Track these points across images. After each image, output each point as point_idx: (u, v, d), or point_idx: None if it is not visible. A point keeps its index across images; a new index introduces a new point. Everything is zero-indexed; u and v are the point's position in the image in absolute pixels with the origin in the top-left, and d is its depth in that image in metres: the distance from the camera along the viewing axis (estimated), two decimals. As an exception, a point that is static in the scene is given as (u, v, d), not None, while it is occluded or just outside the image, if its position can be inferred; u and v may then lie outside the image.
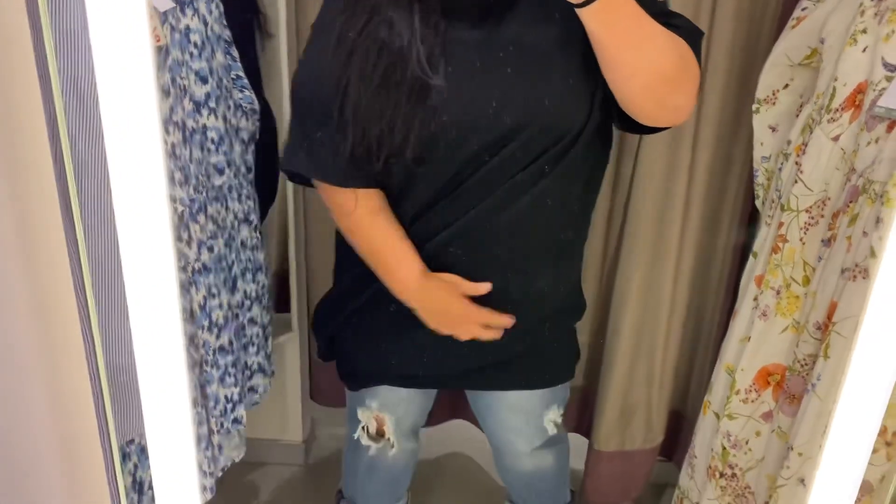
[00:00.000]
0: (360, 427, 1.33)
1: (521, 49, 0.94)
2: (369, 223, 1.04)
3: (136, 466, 1.04)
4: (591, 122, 0.98)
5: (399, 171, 1.00)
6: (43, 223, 0.67)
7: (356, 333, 1.21)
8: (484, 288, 1.05)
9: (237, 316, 1.28)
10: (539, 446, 1.31)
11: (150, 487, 1.07)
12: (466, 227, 1.02)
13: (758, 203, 1.32)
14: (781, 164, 1.20)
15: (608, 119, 1.02)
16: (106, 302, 0.92)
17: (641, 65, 0.86)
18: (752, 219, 1.48)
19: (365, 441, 1.34)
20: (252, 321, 1.34)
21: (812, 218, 1.12)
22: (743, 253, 1.51)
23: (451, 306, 1.06)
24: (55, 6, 0.85)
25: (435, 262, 1.05)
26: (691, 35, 0.91)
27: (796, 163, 1.14)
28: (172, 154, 1.08)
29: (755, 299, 1.22)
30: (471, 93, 0.94)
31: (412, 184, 1.02)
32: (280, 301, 1.68)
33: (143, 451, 1.04)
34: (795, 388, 1.14)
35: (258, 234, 1.33)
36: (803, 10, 1.15)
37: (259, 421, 1.77)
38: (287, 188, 1.55)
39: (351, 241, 1.09)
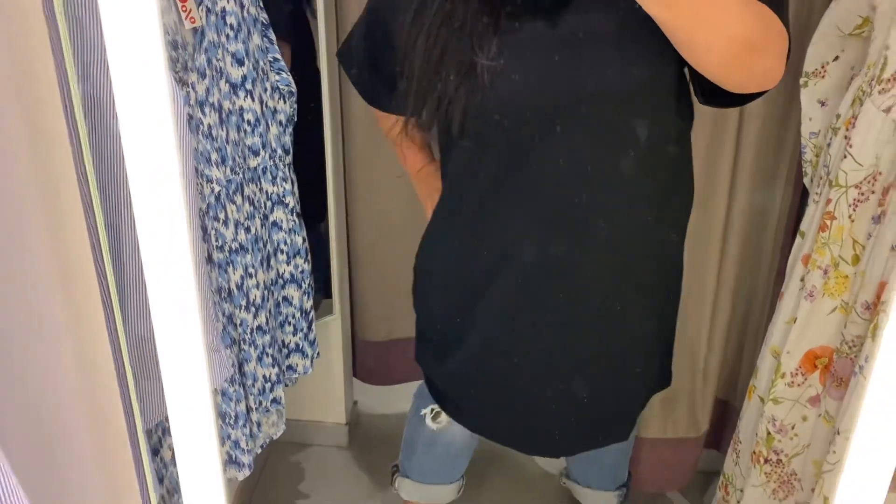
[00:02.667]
0: (428, 408, 1.34)
1: (575, 36, 0.93)
2: (404, 144, 1.20)
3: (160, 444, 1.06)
4: (657, 99, 0.97)
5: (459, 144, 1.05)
6: (71, 225, 0.68)
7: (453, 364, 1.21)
8: None
9: (272, 294, 1.30)
10: None
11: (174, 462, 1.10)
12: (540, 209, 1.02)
13: (806, 181, 1.27)
14: (830, 139, 1.16)
15: (681, 98, 0.99)
16: (130, 282, 0.93)
17: (717, 38, 0.81)
18: (802, 199, 1.43)
19: (429, 421, 1.34)
20: (287, 301, 1.35)
21: (862, 194, 1.07)
22: (793, 235, 1.46)
23: None
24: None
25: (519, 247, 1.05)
26: None
27: (846, 137, 1.09)
28: (209, 135, 1.09)
29: (802, 280, 1.18)
30: (520, 75, 0.94)
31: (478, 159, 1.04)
32: (324, 287, 1.69)
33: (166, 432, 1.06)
34: (843, 370, 1.10)
35: (296, 218, 1.34)
36: (853, -24, 1.10)
37: (303, 403, 1.79)
38: (327, 165, 1.56)
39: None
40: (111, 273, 0.70)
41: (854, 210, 1.08)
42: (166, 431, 1.07)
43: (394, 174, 1.44)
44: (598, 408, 1.17)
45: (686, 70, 0.97)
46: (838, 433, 1.08)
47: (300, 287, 1.38)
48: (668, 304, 1.17)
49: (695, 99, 1.02)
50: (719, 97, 0.93)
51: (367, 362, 1.89)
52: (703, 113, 1.34)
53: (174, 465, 1.08)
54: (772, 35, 0.84)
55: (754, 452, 1.28)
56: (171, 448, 1.08)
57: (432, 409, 1.34)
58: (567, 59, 0.93)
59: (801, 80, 1.21)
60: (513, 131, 0.97)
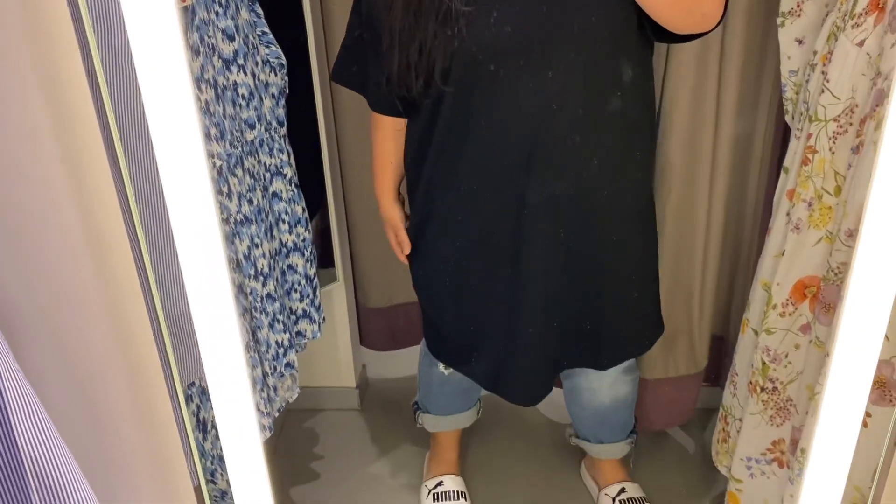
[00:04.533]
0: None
1: None
2: (382, 138, 1.30)
3: (198, 407, 1.11)
4: (621, 34, 1.09)
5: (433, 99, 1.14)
6: (101, 203, 0.71)
7: (445, 310, 1.35)
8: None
9: (278, 263, 1.34)
10: (616, 377, 1.41)
11: (213, 427, 1.15)
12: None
13: (787, 118, 1.31)
14: (808, 75, 1.19)
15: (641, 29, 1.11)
16: (160, 252, 0.97)
17: None
18: (784, 137, 1.47)
19: (441, 367, 1.43)
20: (291, 269, 1.39)
21: (840, 126, 1.12)
22: (777, 172, 1.50)
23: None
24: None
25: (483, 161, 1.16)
26: None
27: (822, 72, 1.13)
28: (206, 111, 1.12)
29: (788, 214, 1.22)
30: (492, 19, 1.05)
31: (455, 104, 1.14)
32: (325, 255, 1.73)
33: (203, 392, 1.10)
34: (830, 297, 1.15)
35: (294, 188, 1.38)
36: (823, -86, 1.13)
37: (314, 370, 1.84)
38: (322, 140, 1.59)
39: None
40: (144, 244, 0.74)
41: (834, 143, 1.13)
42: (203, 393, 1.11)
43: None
44: (582, 341, 1.30)
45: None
46: (828, 356, 1.13)
47: (303, 255, 1.42)
48: (643, 236, 1.29)
49: None
50: (667, 36, 1.11)
51: (371, 329, 1.93)
52: (686, 57, 1.38)
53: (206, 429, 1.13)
54: None
55: (751, 382, 1.34)
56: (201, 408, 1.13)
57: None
58: (536, 1, 1.04)
59: (778, 20, 1.24)
60: (489, 72, 1.08)
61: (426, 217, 1.27)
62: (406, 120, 1.24)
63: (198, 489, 0.85)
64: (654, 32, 1.10)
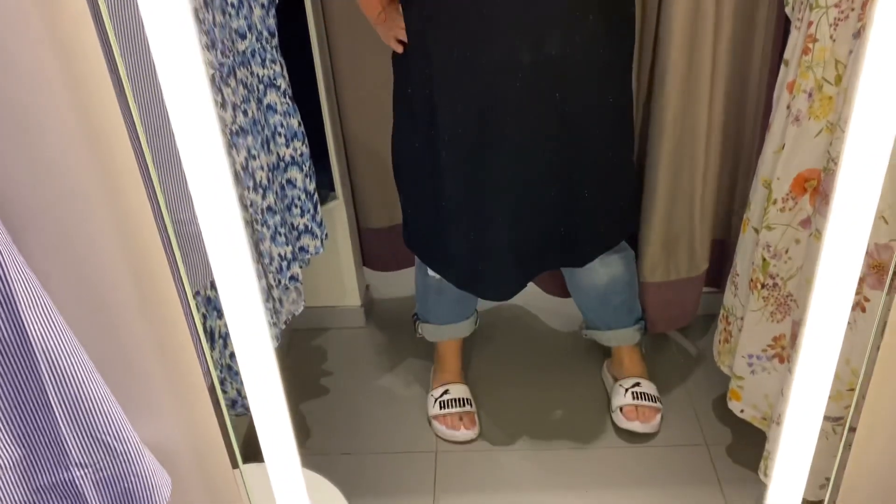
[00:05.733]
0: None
1: None
2: None
3: (204, 317, 1.12)
4: None
5: None
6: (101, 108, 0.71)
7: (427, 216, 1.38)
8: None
9: (276, 177, 1.33)
10: (605, 257, 1.46)
11: (221, 336, 1.16)
12: None
13: (787, 10, 1.28)
14: (809, -39, 1.16)
15: None
16: (164, 157, 0.97)
17: None
18: (785, 31, 1.44)
19: (431, 272, 1.46)
20: (291, 183, 1.39)
21: (842, 12, 1.09)
22: (777, 70, 1.48)
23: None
24: None
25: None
26: None
27: (824, -44, 1.10)
28: (196, 18, 1.10)
29: (788, 107, 1.21)
30: None
31: None
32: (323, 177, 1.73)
33: (209, 301, 1.12)
34: (830, 186, 1.15)
35: (288, 100, 1.36)
36: None
37: (319, 290, 1.86)
38: (315, 53, 1.56)
39: None
40: (146, 145, 0.74)
41: (835, 30, 1.10)
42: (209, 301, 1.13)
43: (380, 56, 1.47)
44: (552, 234, 1.34)
45: None
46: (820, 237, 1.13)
47: (301, 170, 1.42)
48: (619, 137, 1.34)
49: None
50: None
51: (373, 250, 1.94)
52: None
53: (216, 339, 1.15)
54: None
55: (751, 280, 1.35)
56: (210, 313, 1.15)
57: None
58: None
59: None
60: None
61: (416, 82, 1.29)
62: None
63: (211, 388, 0.87)
64: None
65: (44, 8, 0.65)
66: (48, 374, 0.65)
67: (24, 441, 0.66)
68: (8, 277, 0.62)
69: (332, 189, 1.74)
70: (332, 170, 1.70)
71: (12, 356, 0.64)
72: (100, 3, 0.72)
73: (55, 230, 0.73)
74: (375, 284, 2.04)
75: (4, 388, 0.65)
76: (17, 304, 0.63)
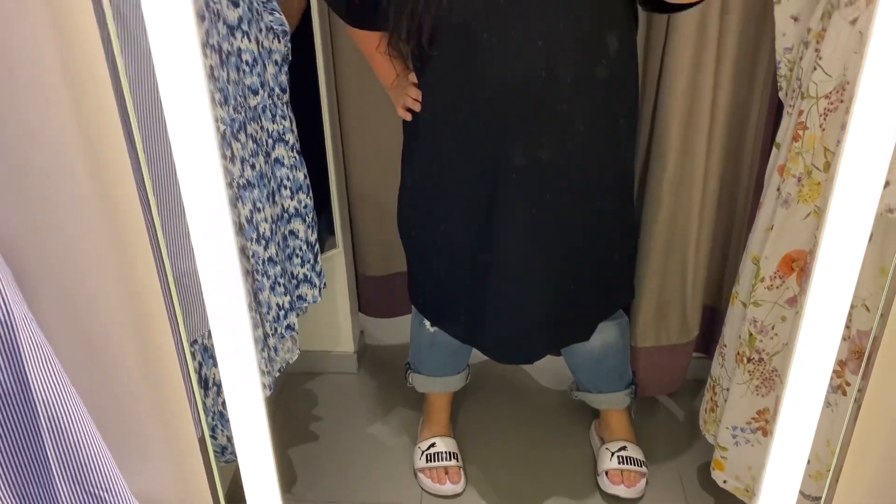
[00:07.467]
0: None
1: None
2: (365, 36, 1.34)
3: (199, 364, 1.14)
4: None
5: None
6: (114, 166, 0.74)
7: (429, 267, 1.41)
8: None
9: (279, 228, 1.37)
10: (603, 322, 1.48)
11: (214, 384, 1.18)
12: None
13: (781, 95, 1.33)
14: (802, 53, 1.21)
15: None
16: (169, 212, 1.00)
17: None
18: (777, 115, 1.49)
19: (427, 324, 1.48)
20: (293, 234, 1.42)
21: (831, 103, 1.14)
22: (770, 149, 1.52)
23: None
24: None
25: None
26: None
27: (816, 50, 1.15)
28: (211, 76, 1.15)
29: (778, 189, 1.25)
30: None
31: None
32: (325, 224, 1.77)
33: (206, 350, 1.14)
34: (816, 270, 1.18)
35: (296, 154, 1.40)
36: None
37: (314, 334, 1.88)
38: (323, 107, 1.61)
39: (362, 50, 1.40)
40: (154, 202, 0.77)
41: (825, 119, 1.15)
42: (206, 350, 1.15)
43: (386, 112, 1.52)
44: (551, 313, 1.35)
45: None
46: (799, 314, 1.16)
47: (304, 221, 1.45)
48: (622, 210, 1.36)
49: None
50: (660, 5, 1.14)
51: (369, 297, 1.97)
52: (685, 32, 1.40)
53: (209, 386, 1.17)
54: None
55: (738, 353, 1.37)
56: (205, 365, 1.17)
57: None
58: None
59: (775, -2, 1.26)
60: (473, 38, 1.13)
61: (423, 152, 1.32)
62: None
63: (201, 440, 0.89)
64: (647, 1, 1.15)
65: (66, 77, 0.69)
66: (47, 427, 0.67)
67: (18, 491, 0.68)
68: (15, 330, 0.64)
69: (332, 233, 1.78)
70: (334, 220, 1.74)
71: (13, 407, 0.67)
72: (117, 60, 0.75)
73: (57, 278, 0.76)
74: (370, 330, 2.07)
75: (3, 439, 0.67)
76: (22, 356, 0.65)
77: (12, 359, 0.65)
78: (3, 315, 0.64)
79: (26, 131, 0.70)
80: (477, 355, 1.64)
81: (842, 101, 1.13)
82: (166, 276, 0.86)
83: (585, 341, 1.45)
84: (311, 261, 1.48)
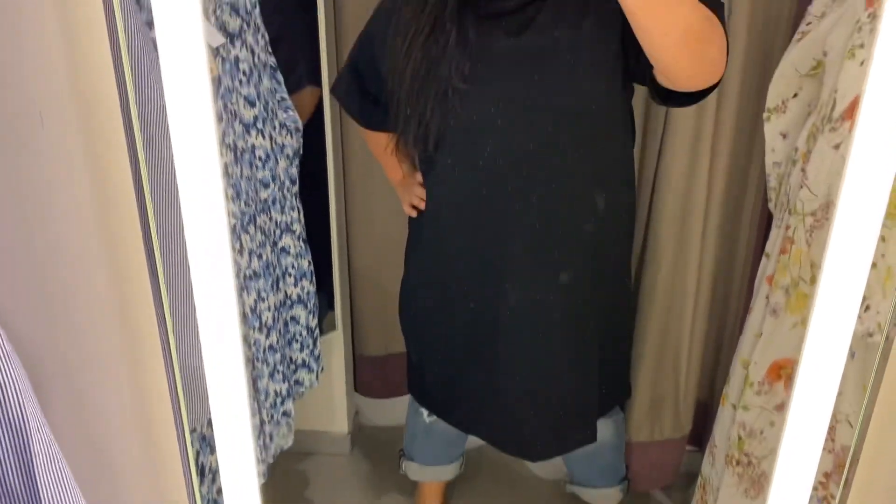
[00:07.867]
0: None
1: (535, 59, 1.13)
2: (376, 137, 1.39)
3: (198, 453, 1.16)
4: (605, 117, 1.19)
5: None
6: (129, 251, 0.78)
7: (428, 356, 1.43)
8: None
9: (281, 315, 1.40)
10: (600, 419, 1.47)
11: (210, 472, 1.20)
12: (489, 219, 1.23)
13: (771, 206, 1.38)
14: (790, 169, 1.27)
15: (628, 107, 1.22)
16: (178, 310, 1.03)
17: (675, 21, 0.93)
18: (769, 220, 1.54)
19: (424, 415, 1.49)
20: (294, 320, 1.46)
21: (817, 221, 1.19)
22: (761, 253, 1.57)
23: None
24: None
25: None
26: (711, 2, 0.99)
27: (802, 169, 1.21)
28: (225, 173, 1.20)
29: (767, 297, 1.29)
30: (492, 96, 1.15)
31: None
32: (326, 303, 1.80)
33: (203, 439, 1.16)
34: (803, 381, 1.21)
35: (302, 243, 1.45)
36: (808, 24, 1.22)
37: (308, 414, 1.89)
38: (329, 193, 1.67)
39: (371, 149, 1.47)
40: (166, 298, 0.81)
41: (811, 236, 1.20)
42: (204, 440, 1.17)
43: (389, 201, 1.57)
44: (557, 411, 1.36)
45: (649, 75, 1.10)
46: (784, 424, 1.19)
47: (306, 307, 1.49)
48: (621, 303, 1.40)
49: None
50: (674, 97, 1.09)
51: (366, 377, 1.99)
52: (679, 140, 1.46)
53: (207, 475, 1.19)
54: (716, 29, 0.99)
55: (727, 455, 1.39)
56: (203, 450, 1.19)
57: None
58: (527, 84, 1.14)
59: (764, 115, 1.33)
60: (479, 147, 1.18)
61: (422, 255, 1.37)
62: None
63: (195, 535, 0.90)
64: (661, 94, 1.10)
65: (90, 184, 0.74)
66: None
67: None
68: (28, 432, 0.67)
69: (332, 308, 1.81)
70: (335, 301, 1.78)
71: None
72: (140, 162, 0.80)
73: (62, 368, 0.79)
74: (364, 410, 2.08)
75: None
76: (35, 465, 0.67)
77: (23, 460, 0.67)
78: (17, 418, 0.67)
79: (53, 247, 0.74)
80: (472, 442, 1.65)
81: (827, 219, 1.18)
82: (173, 369, 0.89)
83: (593, 442, 1.44)
84: (311, 346, 1.51)
